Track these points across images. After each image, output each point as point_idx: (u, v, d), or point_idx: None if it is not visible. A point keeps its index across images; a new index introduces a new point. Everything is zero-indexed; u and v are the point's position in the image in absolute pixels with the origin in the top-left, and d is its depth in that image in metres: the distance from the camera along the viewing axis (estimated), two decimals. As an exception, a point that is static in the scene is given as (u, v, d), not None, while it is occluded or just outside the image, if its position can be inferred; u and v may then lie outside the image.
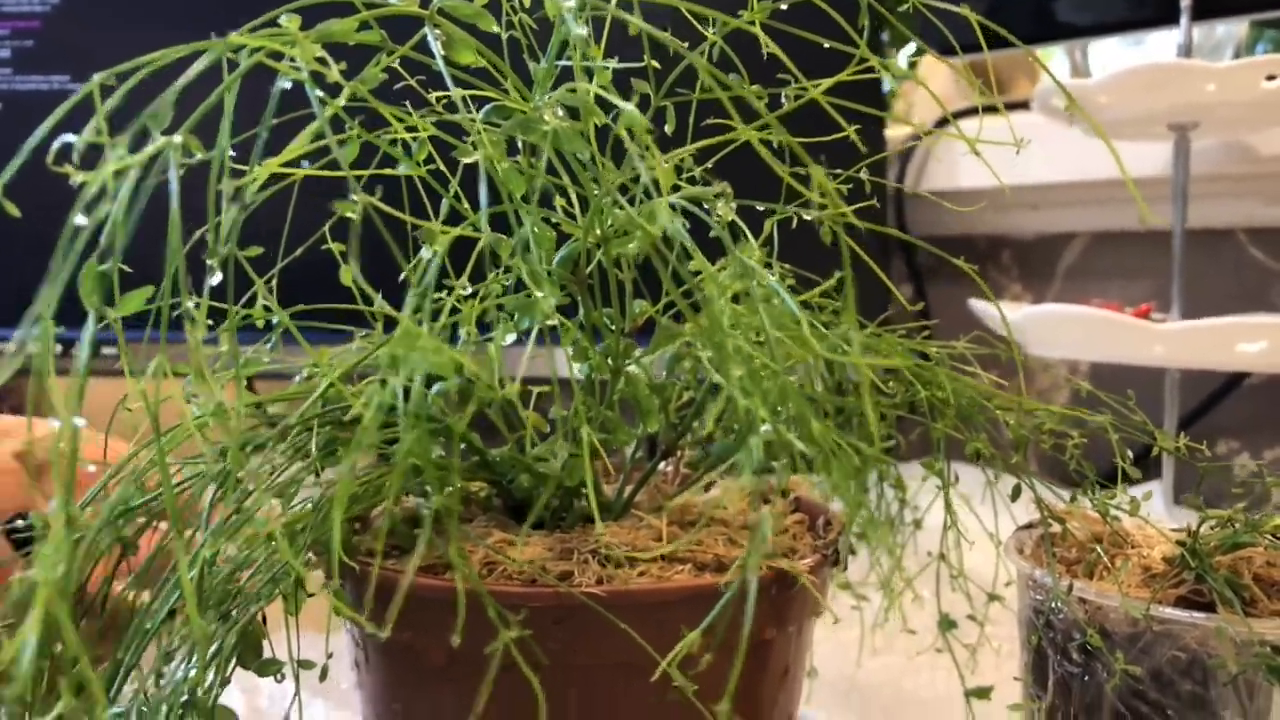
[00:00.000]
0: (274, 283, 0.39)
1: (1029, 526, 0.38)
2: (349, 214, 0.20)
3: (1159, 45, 0.98)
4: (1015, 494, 0.35)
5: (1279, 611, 0.30)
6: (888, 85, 1.25)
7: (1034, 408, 0.35)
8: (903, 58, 1.35)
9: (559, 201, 0.35)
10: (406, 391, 0.26)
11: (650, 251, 0.25)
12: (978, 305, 0.78)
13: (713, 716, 0.29)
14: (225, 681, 0.32)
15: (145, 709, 0.27)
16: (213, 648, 0.31)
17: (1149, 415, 0.37)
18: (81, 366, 0.20)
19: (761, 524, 0.25)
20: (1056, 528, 0.36)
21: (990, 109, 1.02)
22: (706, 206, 0.29)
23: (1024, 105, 1.02)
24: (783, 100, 0.27)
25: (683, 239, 0.23)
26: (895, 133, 1.08)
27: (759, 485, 0.42)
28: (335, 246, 0.39)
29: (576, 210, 0.32)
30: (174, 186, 0.21)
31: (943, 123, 1.04)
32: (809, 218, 0.26)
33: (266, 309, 0.40)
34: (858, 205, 0.29)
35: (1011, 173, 0.98)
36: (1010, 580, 0.43)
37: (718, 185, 0.27)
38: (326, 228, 0.35)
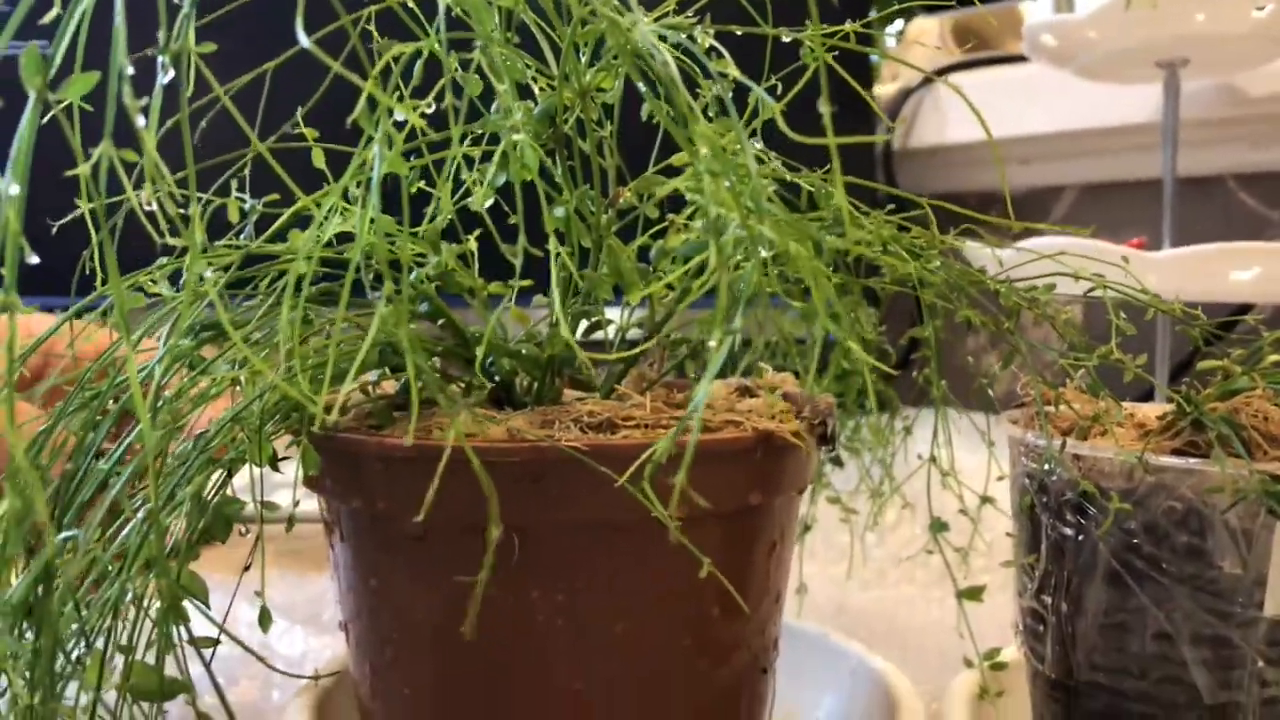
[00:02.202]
0: (247, 172, 0.38)
1: (1021, 404, 0.37)
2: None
3: None
4: (1006, 362, 0.34)
5: (1277, 457, 0.29)
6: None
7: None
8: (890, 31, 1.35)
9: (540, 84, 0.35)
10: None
11: (631, 69, 0.24)
12: (968, 246, 0.77)
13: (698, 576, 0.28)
14: (194, 555, 0.31)
15: (103, 562, 0.26)
16: (178, 515, 0.30)
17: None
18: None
19: (709, 366, 0.24)
20: (1050, 409, 0.35)
21: (978, 63, 1.02)
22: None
23: (1012, 60, 1.01)
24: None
25: (660, 54, 0.22)
26: (884, 90, 1.07)
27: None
28: (309, 133, 0.39)
29: (553, 65, 0.31)
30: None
31: (929, 79, 1.04)
32: (787, 39, 0.25)
33: (240, 199, 0.39)
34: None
35: (1001, 126, 0.98)
36: (1002, 475, 0.42)
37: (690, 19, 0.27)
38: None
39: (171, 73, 0.22)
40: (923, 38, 1.09)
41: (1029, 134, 0.95)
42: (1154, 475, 0.29)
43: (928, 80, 1.03)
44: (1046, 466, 0.32)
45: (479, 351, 0.36)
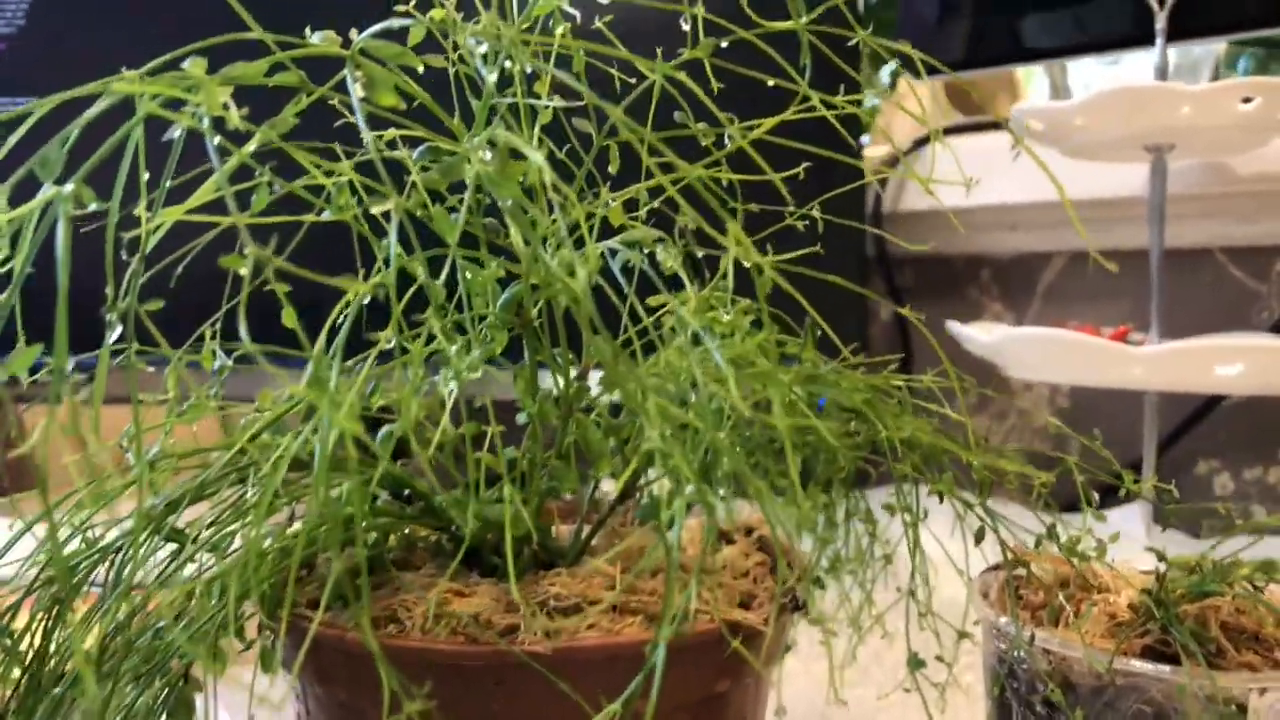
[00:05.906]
0: (218, 327, 0.38)
1: (995, 569, 0.36)
2: (239, 270, 0.19)
3: (1139, 65, 0.98)
4: (979, 538, 0.34)
5: (1246, 663, 0.29)
6: (869, 101, 1.25)
7: (1018, 436, 0.34)
8: (884, 74, 1.36)
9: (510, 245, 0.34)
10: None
11: (572, 305, 0.24)
12: (955, 327, 0.77)
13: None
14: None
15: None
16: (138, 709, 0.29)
17: (1129, 437, 0.36)
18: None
19: (693, 585, 0.24)
20: (1022, 571, 0.35)
21: (969, 128, 1.01)
22: (654, 253, 0.28)
23: (1003, 126, 1.01)
24: (727, 141, 0.26)
25: (588, 305, 0.22)
26: (873, 153, 1.07)
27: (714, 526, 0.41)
28: (284, 286, 0.38)
29: (521, 250, 0.31)
30: (60, 240, 0.20)
31: (920, 143, 1.04)
32: (747, 264, 0.25)
33: (214, 353, 0.39)
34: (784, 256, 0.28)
35: (990, 192, 0.98)
36: (979, 619, 0.42)
37: (653, 233, 0.26)
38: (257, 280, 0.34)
39: (120, 329, 0.22)
40: (912, 98, 1.09)
41: (1017, 201, 0.95)
42: (1124, 678, 0.29)
43: (919, 143, 1.03)
44: (1017, 653, 0.32)
45: (449, 515, 0.36)
